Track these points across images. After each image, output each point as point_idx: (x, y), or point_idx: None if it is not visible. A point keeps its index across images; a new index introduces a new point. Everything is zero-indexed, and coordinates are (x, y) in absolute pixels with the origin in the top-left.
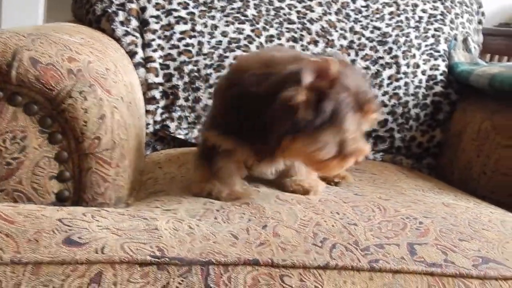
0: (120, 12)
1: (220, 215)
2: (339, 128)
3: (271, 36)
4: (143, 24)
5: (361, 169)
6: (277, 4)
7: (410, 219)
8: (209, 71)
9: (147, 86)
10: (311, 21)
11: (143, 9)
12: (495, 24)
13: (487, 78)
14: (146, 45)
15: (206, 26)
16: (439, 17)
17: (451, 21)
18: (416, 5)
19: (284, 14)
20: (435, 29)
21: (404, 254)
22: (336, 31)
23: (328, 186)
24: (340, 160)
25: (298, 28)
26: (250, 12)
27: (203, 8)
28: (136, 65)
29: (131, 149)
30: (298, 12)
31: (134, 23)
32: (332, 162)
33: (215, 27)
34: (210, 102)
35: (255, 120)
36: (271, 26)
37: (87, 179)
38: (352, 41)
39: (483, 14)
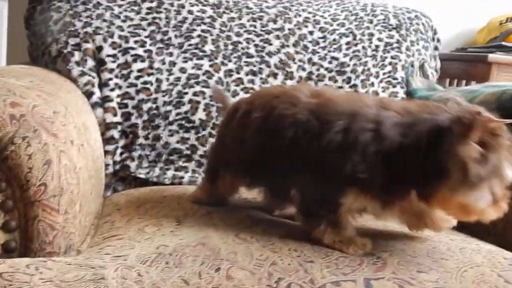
0: (76, 53)
1: (172, 259)
2: (501, 178)
3: (230, 70)
4: (100, 64)
5: None
6: (235, 38)
7: (368, 254)
8: (168, 108)
9: (105, 126)
10: (270, 54)
11: (99, 49)
12: (453, 49)
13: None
14: (103, 85)
15: (164, 63)
16: (395, 45)
17: (407, 49)
18: (372, 34)
19: (242, 48)
20: (392, 57)
21: None
22: (295, 63)
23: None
24: (493, 206)
25: (257, 62)
26: (208, 47)
27: (160, 45)
28: (94, 105)
29: (82, 193)
30: (256, 45)
31: (91, 62)
32: (487, 209)
33: (173, 63)
34: (170, 139)
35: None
36: (230, 61)
37: (34, 228)
38: (311, 72)
39: (438, 40)
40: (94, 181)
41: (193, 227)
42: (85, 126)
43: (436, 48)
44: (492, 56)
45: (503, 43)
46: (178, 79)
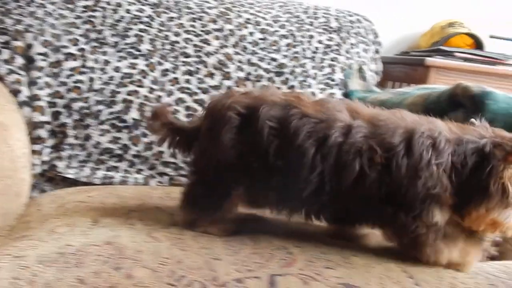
0: (5, 50)
1: (73, 258)
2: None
3: (166, 70)
4: (29, 62)
5: None
6: (173, 38)
7: (280, 250)
8: (100, 107)
9: (33, 125)
10: (208, 54)
11: (29, 46)
12: (397, 53)
13: (377, 104)
14: (31, 83)
15: (97, 62)
16: (334, 47)
17: (347, 51)
18: (312, 37)
19: (180, 48)
20: (331, 59)
21: (263, 286)
22: (233, 63)
23: None
24: None
25: (194, 62)
26: (145, 47)
27: (94, 44)
28: (21, 104)
29: None
30: (194, 45)
31: (20, 61)
32: None
33: (107, 62)
34: (101, 139)
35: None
36: (166, 60)
37: None
38: (249, 73)
39: (379, 43)
40: (10, 182)
41: (107, 226)
42: (4, 124)
43: (377, 52)
44: (429, 60)
45: (442, 47)
46: (112, 78)
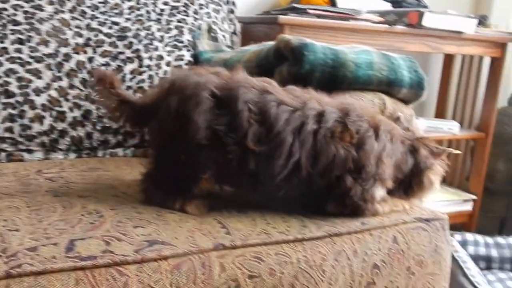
0: None
1: None
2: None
3: None
4: None
5: (96, 167)
6: (0, 5)
7: (92, 214)
8: None
9: None
10: (41, 20)
11: None
12: (259, 12)
13: (221, 63)
14: None
15: None
16: (182, 8)
17: (195, 12)
18: None
19: (8, 16)
20: (178, 21)
21: (58, 252)
22: (70, 29)
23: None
24: None
25: (25, 29)
26: None
27: None
28: None
29: None
30: (25, 12)
31: None
32: None
33: None
34: None
35: None
36: None
37: None
38: (89, 39)
39: (233, 3)
40: None
41: None
42: None
43: (231, 12)
44: (282, 18)
45: (296, 5)
46: None
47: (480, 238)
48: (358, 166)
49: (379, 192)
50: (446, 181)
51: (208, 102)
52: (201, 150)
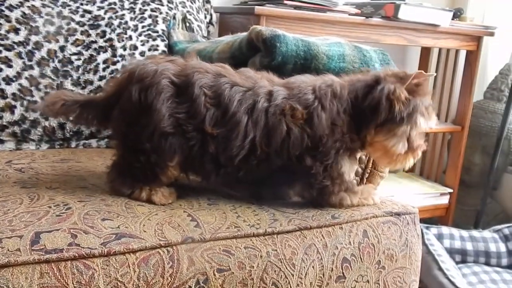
0: None
1: None
2: (413, 125)
3: None
4: None
5: (67, 158)
6: None
7: (59, 206)
8: None
9: None
10: (10, 8)
11: None
12: (237, 3)
13: (196, 54)
14: None
15: None
16: None
17: (169, 1)
18: None
19: None
20: (152, 10)
21: (23, 245)
22: (41, 17)
23: None
24: (408, 155)
25: None
26: None
27: None
28: None
29: None
30: None
31: None
32: (402, 156)
33: None
34: None
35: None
36: None
37: None
38: (60, 27)
39: None
40: None
41: None
42: None
43: (207, 1)
44: (258, 8)
45: None
46: None
47: (455, 231)
48: (315, 141)
49: (346, 165)
50: (423, 174)
51: (169, 89)
52: (166, 138)
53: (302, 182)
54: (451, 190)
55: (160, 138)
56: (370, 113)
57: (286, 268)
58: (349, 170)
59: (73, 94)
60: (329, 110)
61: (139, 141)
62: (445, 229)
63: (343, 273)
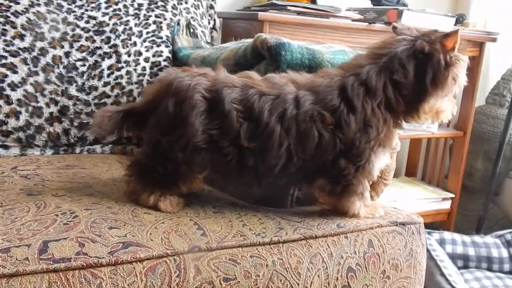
0: None
1: None
2: (456, 86)
3: None
4: None
5: (72, 164)
6: None
7: (66, 214)
8: None
9: None
10: (16, 14)
11: None
12: (240, 8)
13: (199, 60)
14: None
15: None
16: (160, 3)
17: (174, 7)
18: None
19: None
20: (156, 16)
21: (31, 254)
22: (47, 23)
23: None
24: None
25: (0, 23)
26: None
27: None
28: None
29: None
30: (0, 5)
31: None
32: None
33: None
34: None
35: None
36: None
37: None
38: (65, 33)
39: None
40: None
41: None
42: None
43: (211, 7)
44: (262, 14)
45: (275, 1)
46: None
47: (457, 236)
48: (347, 144)
49: (378, 163)
50: (425, 179)
51: (202, 104)
52: (200, 153)
53: (326, 178)
54: (453, 195)
55: (193, 152)
56: (431, 86)
57: (292, 277)
58: (381, 166)
59: (113, 107)
60: (360, 112)
61: (172, 150)
62: (447, 234)
63: (348, 282)
